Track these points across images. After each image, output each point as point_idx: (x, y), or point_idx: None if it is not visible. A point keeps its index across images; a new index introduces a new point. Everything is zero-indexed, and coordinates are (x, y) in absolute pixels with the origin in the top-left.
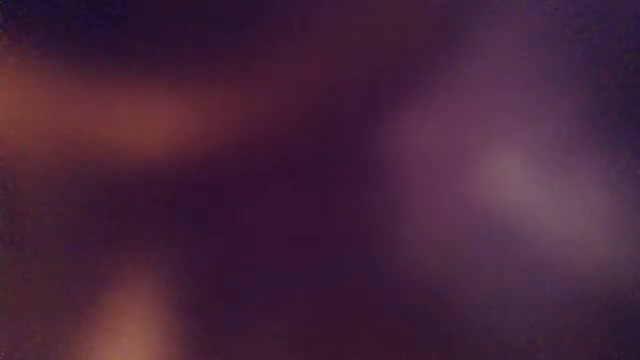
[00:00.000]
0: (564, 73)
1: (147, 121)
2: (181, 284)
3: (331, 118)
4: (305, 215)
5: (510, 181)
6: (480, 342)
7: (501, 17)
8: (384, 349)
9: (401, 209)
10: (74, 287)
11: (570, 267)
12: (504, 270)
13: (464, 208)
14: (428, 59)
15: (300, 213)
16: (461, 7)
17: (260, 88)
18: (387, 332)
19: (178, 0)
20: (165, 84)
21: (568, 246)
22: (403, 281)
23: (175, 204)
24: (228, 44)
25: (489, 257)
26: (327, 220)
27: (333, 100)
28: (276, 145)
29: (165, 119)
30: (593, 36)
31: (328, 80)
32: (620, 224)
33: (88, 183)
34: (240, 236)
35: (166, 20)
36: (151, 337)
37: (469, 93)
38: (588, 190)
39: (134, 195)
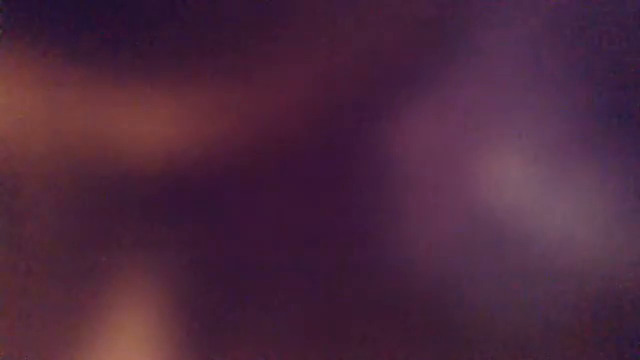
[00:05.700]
0: (564, 73)
1: (147, 121)
2: (181, 284)
3: (332, 118)
4: (306, 215)
5: (510, 181)
6: (480, 341)
7: (501, 16)
8: (384, 348)
9: (402, 209)
10: (74, 287)
11: (570, 267)
12: (504, 270)
13: (464, 208)
14: (428, 60)
15: (301, 213)
16: (462, 6)
17: (261, 88)
18: (387, 332)
19: (179, 0)
20: (166, 84)
21: (568, 246)
22: (403, 281)
23: (175, 204)
24: (228, 43)
25: (489, 257)
26: (328, 220)
27: (334, 100)
28: (277, 145)
29: (165, 119)
30: (593, 36)
31: (329, 80)
32: (620, 224)
33: (88, 183)
34: (241, 236)
35: (166, 20)
36: (151, 337)
37: (470, 93)
38: (588, 190)
39: (134, 195)
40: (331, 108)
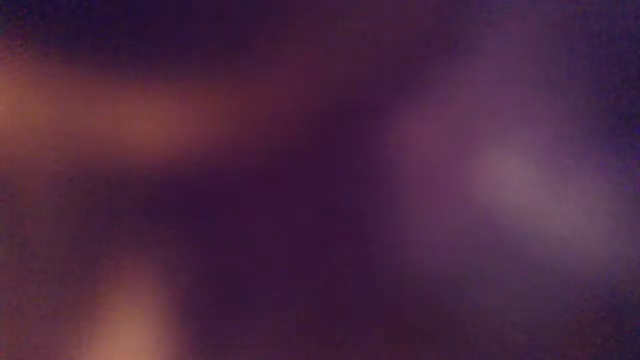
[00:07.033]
0: (564, 73)
1: (147, 121)
2: (181, 284)
3: (332, 118)
4: (306, 215)
5: (510, 181)
6: (480, 342)
7: (501, 16)
8: (384, 349)
9: (401, 210)
10: (74, 287)
11: (570, 267)
12: (504, 270)
13: (464, 208)
14: (427, 59)
15: (300, 213)
16: (461, 7)
17: (262, 88)
18: (387, 332)
19: (178, 0)
20: (166, 84)
21: (568, 246)
22: (403, 281)
23: (176, 204)
24: (229, 43)
25: (489, 257)
26: (328, 220)
27: (334, 100)
28: (278, 145)
29: (166, 119)
30: (593, 36)
31: (329, 81)
32: (620, 224)
33: (88, 183)
34: (240, 236)
35: (167, 19)
36: (151, 337)
37: (469, 93)
38: (588, 190)
39: (134, 195)
40: (331, 109)
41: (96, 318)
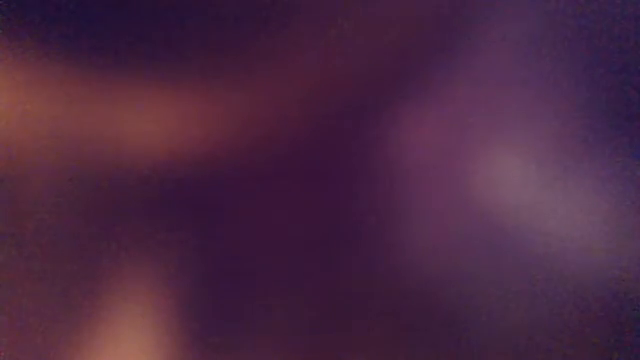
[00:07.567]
0: (564, 73)
1: (148, 121)
2: (182, 284)
3: (332, 118)
4: (306, 215)
5: (510, 181)
6: (480, 342)
7: (500, 16)
8: (384, 349)
9: (401, 210)
10: (74, 287)
11: (570, 267)
12: (504, 270)
13: (464, 208)
14: (427, 59)
15: (300, 213)
16: (461, 5)
17: (261, 87)
18: (387, 332)
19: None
20: (166, 83)
21: (568, 246)
22: (403, 281)
23: (175, 204)
24: (229, 43)
25: (489, 257)
26: (328, 220)
27: (334, 99)
28: (277, 145)
29: (166, 119)
30: (593, 36)
31: (329, 80)
32: (620, 224)
33: (88, 183)
34: (240, 236)
35: (167, 19)
36: (151, 337)
37: (469, 93)
38: (588, 190)
39: (135, 195)
40: (331, 108)
41: (96, 318)
